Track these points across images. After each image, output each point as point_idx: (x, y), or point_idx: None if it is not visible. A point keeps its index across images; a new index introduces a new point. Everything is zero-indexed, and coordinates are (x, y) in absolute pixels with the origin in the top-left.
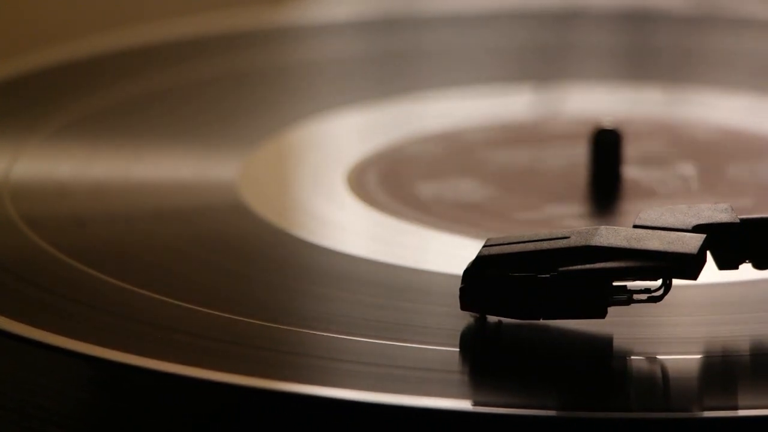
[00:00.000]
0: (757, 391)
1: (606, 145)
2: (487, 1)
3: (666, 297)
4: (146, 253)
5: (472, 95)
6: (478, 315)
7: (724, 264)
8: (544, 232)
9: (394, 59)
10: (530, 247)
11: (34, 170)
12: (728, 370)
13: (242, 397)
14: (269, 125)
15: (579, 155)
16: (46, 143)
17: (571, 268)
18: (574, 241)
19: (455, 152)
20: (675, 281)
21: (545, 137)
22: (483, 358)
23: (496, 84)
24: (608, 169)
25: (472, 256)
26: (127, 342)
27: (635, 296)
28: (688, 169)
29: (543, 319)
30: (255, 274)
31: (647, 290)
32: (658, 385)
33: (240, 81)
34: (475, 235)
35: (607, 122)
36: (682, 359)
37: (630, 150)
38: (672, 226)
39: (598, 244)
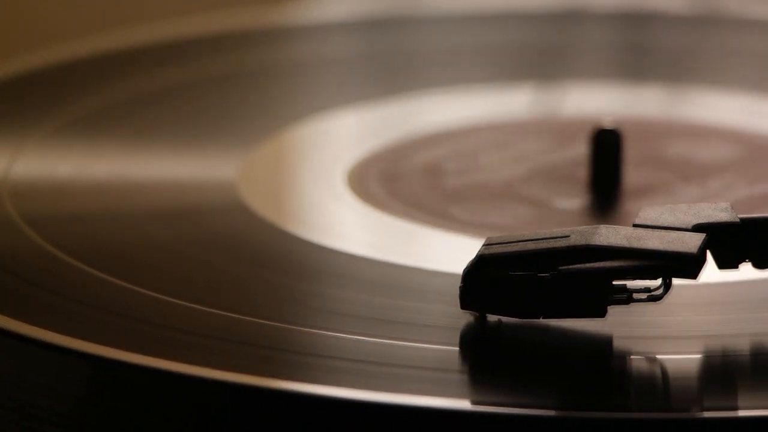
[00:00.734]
0: (757, 391)
1: (606, 145)
2: (486, 1)
3: (666, 296)
4: (146, 253)
5: (472, 95)
6: (478, 314)
7: (724, 264)
8: (544, 232)
9: (394, 59)
10: (530, 246)
11: (34, 170)
12: (728, 370)
13: (242, 395)
14: (269, 125)
15: (579, 155)
16: (45, 142)
17: (571, 267)
18: (573, 241)
19: (455, 152)
20: (675, 281)
21: (545, 137)
22: (483, 357)
23: (496, 84)
24: (608, 169)
25: (472, 256)
26: (126, 341)
27: (635, 296)
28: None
29: (543, 318)
30: (254, 273)
31: (647, 290)
32: (658, 385)
33: (240, 81)
34: (475, 235)
35: (607, 122)
36: (682, 359)
37: (630, 150)
38: (672, 226)
39: (598, 243)
